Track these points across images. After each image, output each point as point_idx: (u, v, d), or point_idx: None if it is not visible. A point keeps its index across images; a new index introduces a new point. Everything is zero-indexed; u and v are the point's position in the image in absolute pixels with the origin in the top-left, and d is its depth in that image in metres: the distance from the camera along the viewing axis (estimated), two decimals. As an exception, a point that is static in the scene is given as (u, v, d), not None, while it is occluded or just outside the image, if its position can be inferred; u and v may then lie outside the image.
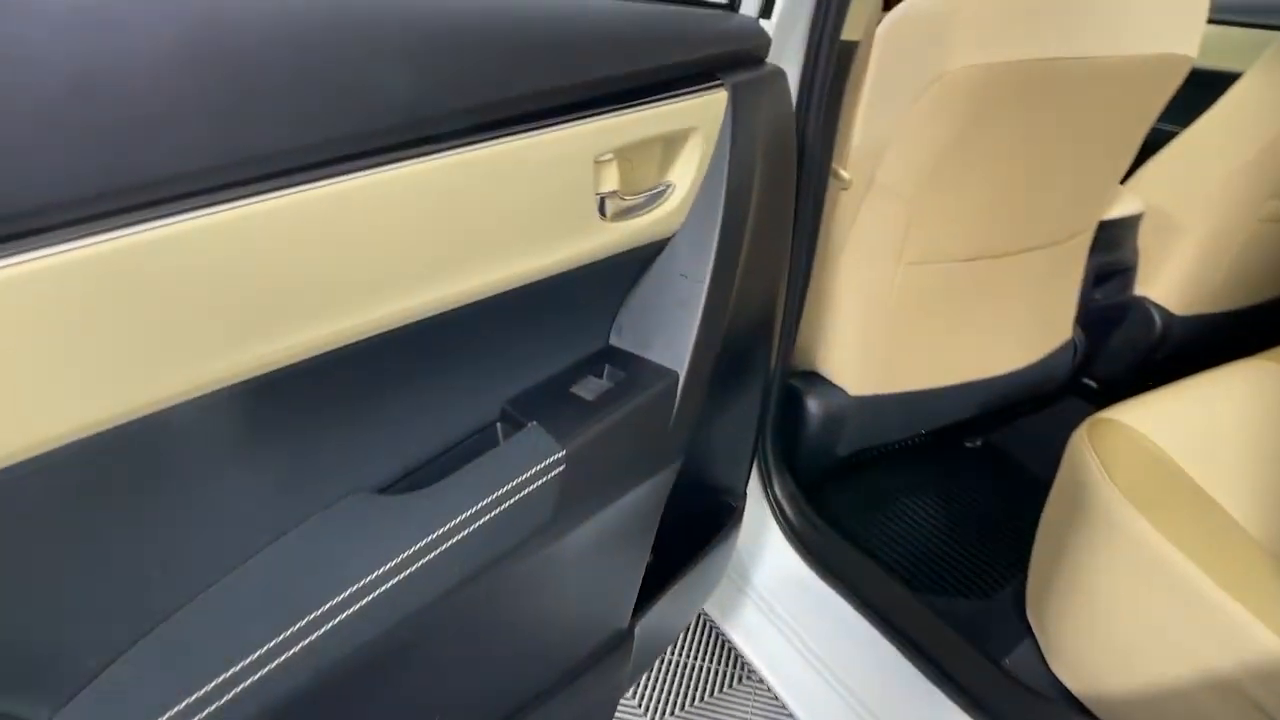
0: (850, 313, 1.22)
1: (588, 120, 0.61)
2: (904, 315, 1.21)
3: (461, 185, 0.53)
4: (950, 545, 1.41)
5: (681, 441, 0.79)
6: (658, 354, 0.75)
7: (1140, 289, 1.63)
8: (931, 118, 1.04)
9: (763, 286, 0.89)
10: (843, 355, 1.25)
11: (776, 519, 1.22)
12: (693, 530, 1.01)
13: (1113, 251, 1.57)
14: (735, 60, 0.77)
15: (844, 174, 1.13)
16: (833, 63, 0.97)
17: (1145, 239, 1.60)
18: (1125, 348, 1.66)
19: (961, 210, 1.14)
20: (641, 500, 0.77)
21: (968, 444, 1.68)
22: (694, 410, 0.78)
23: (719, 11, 0.80)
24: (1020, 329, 1.36)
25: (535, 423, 0.65)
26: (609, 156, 0.64)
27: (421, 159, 0.50)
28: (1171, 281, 1.59)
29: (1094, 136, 1.17)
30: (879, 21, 1.06)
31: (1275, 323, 1.78)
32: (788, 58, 0.96)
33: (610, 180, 0.65)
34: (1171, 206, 1.56)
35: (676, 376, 0.73)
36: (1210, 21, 2.01)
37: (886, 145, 1.08)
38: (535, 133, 0.57)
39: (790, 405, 1.28)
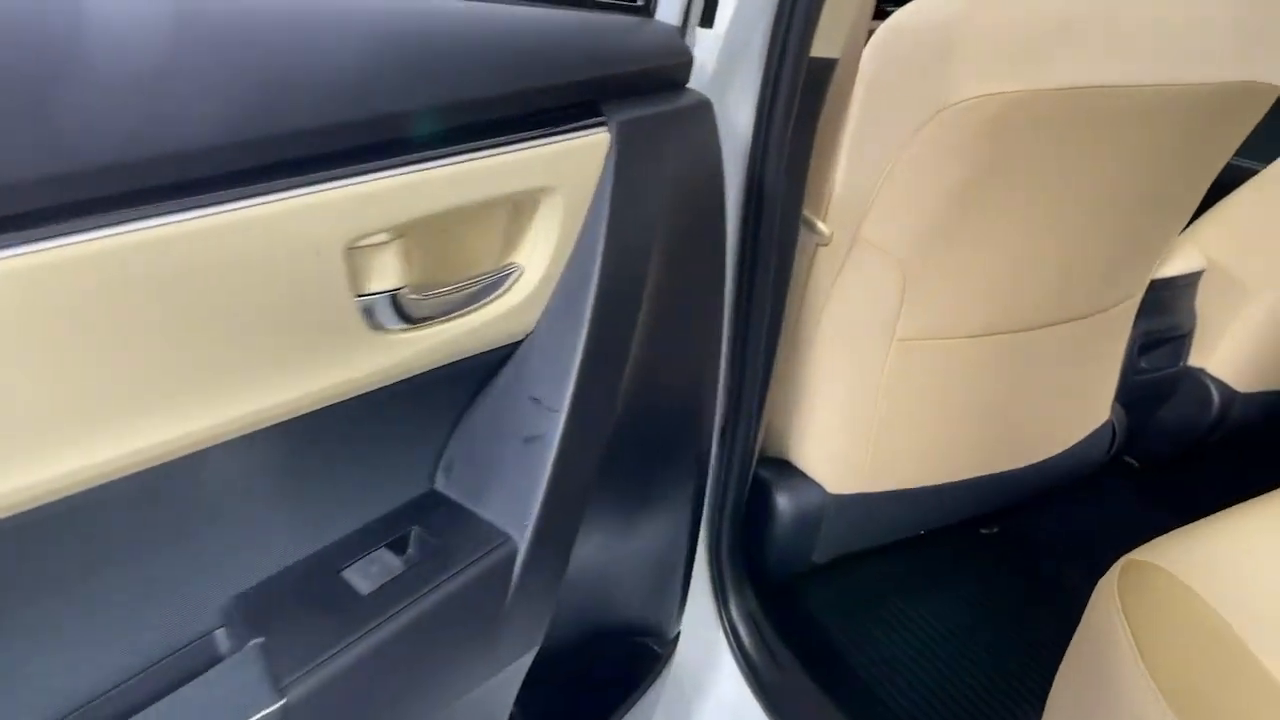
0: (830, 396, 0.98)
1: (339, 184, 0.38)
2: (897, 400, 0.97)
3: (125, 280, 0.32)
4: (954, 670, 1.16)
5: (536, 621, 0.55)
6: (494, 508, 0.52)
7: (1196, 359, 1.36)
8: (933, 159, 0.80)
9: (684, 378, 0.66)
10: (820, 445, 1.01)
11: (730, 648, 0.98)
12: (604, 691, 0.78)
13: (1165, 315, 1.30)
14: (632, 86, 0.54)
15: (821, 226, 0.89)
16: (799, 87, 0.73)
17: (1204, 301, 1.33)
18: (1175, 426, 1.40)
19: (972, 276, 0.89)
20: (473, 709, 0.54)
21: (983, 531, 1.43)
22: (550, 581, 0.54)
23: (619, 17, 0.57)
24: (1046, 415, 1.11)
25: (259, 642, 0.42)
26: (383, 238, 0.42)
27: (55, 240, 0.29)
28: (1233, 352, 1.33)
29: (1150, 183, 0.92)
30: (867, 35, 0.82)
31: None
32: (742, 80, 0.73)
33: (388, 271, 0.42)
34: (1237, 264, 1.29)
35: (514, 546, 0.50)
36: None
37: (875, 192, 0.84)
38: (238, 205, 0.35)
39: (756, 500, 1.04)
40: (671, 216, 0.56)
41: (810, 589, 1.19)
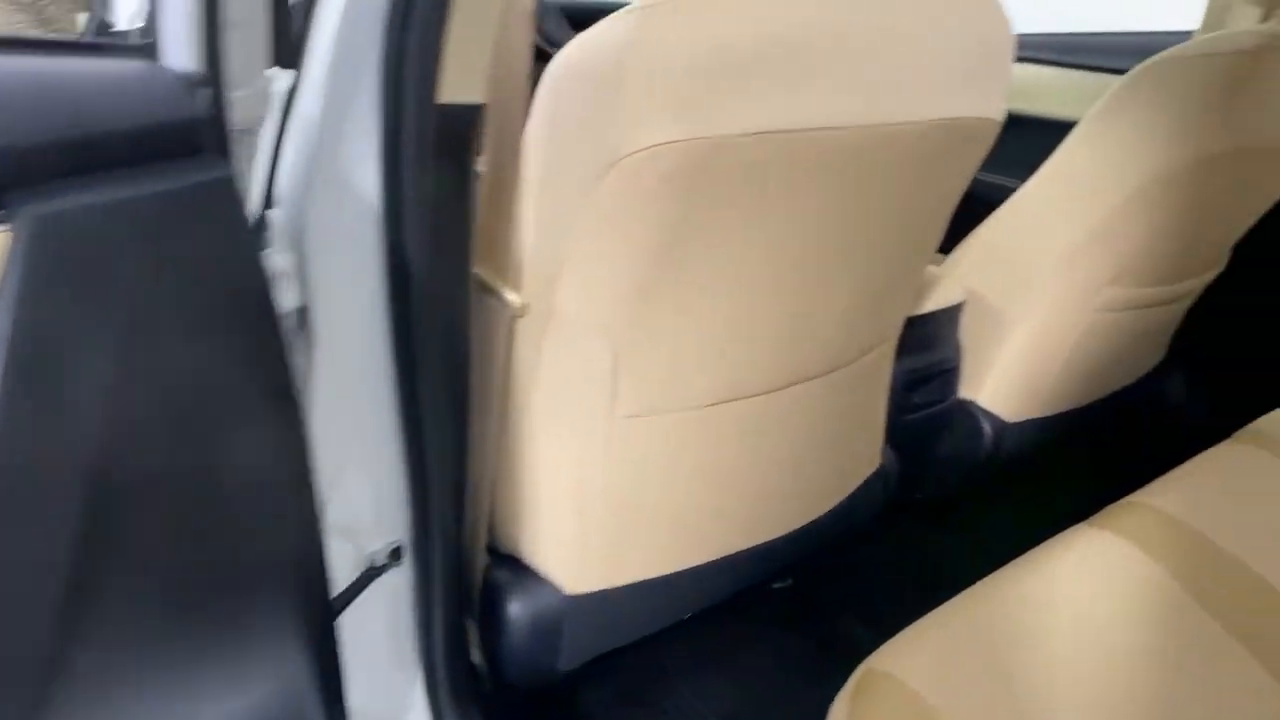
0: (554, 484, 0.84)
1: None
2: (627, 484, 0.85)
3: None
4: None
5: None
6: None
7: (966, 391, 1.33)
8: (618, 216, 0.68)
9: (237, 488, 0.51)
10: (551, 539, 0.87)
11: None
12: None
13: (929, 351, 1.27)
14: (83, 160, 0.38)
15: (510, 295, 0.75)
16: (429, 139, 0.59)
17: (967, 333, 1.30)
18: (952, 461, 1.36)
19: (687, 343, 0.78)
20: None
21: (775, 585, 1.35)
22: None
23: (71, 63, 0.40)
24: (806, 475, 1.02)
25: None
26: None
27: None
28: (1000, 382, 1.31)
29: (876, 228, 0.84)
30: (533, 75, 0.70)
31: (1117, 420, 1.53)
32: (357, 131, 0.58)
33: None
34: (995, 293, 1.27)
35: None
36: (1046, 63, 1.77)
37: (563, 254, 0.72)
38: None
39: (488, 608, 0.90)
40: (157, 318, 0.40)
41: (571, 696, 1.05)
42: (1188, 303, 1.42)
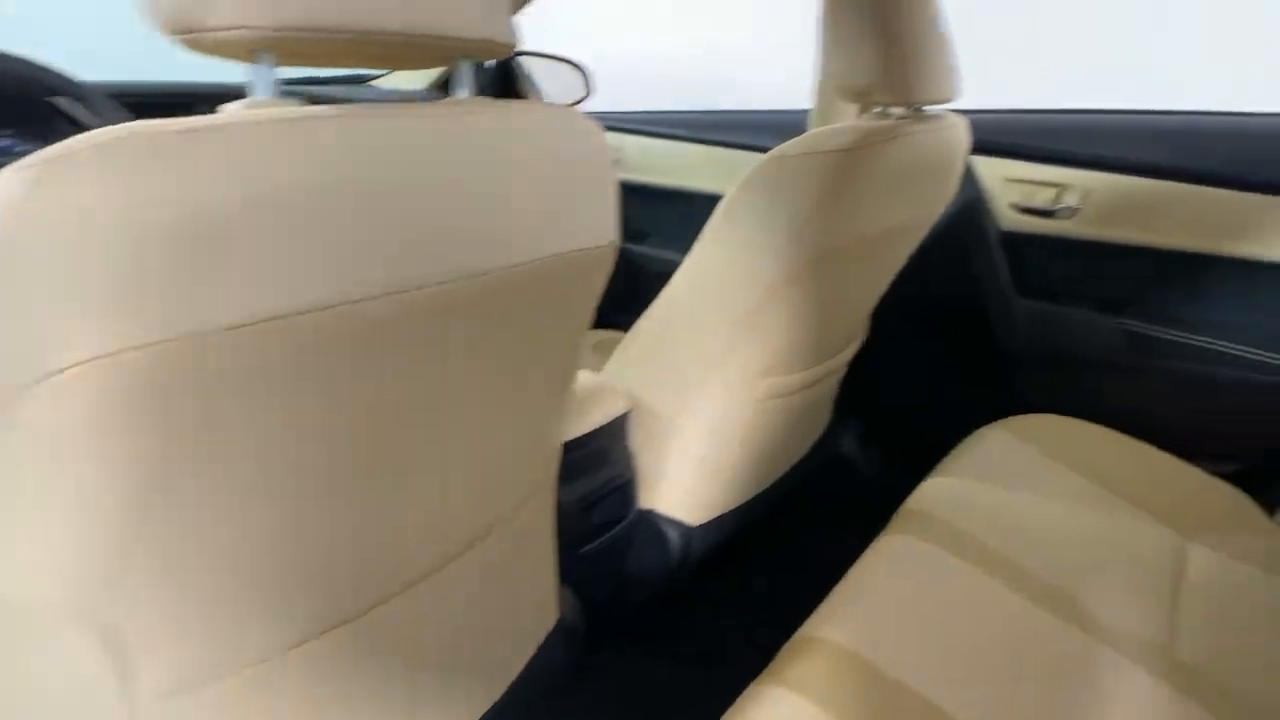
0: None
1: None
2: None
3: None
4: None
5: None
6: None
7: (645, 502, 1.24)
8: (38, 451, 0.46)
9: None
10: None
11: None
12: None
13: (600, 468, 1.16)
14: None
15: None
16: None
17: (637, 442, 1.22)
18: (640, 575, 1.27)
19: (230, 594, 0.57)
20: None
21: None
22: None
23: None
24: (463, 671, 0.84)
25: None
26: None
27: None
28: (677, 488, 1.23)
29: (484, 381, 0.69)
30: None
31: (801, 489, 1.54)
32: None
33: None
34: (658, 399, 1.20)
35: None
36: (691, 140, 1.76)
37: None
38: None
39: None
40: None
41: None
42: (843, 371, 1.46)
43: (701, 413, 1.19)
